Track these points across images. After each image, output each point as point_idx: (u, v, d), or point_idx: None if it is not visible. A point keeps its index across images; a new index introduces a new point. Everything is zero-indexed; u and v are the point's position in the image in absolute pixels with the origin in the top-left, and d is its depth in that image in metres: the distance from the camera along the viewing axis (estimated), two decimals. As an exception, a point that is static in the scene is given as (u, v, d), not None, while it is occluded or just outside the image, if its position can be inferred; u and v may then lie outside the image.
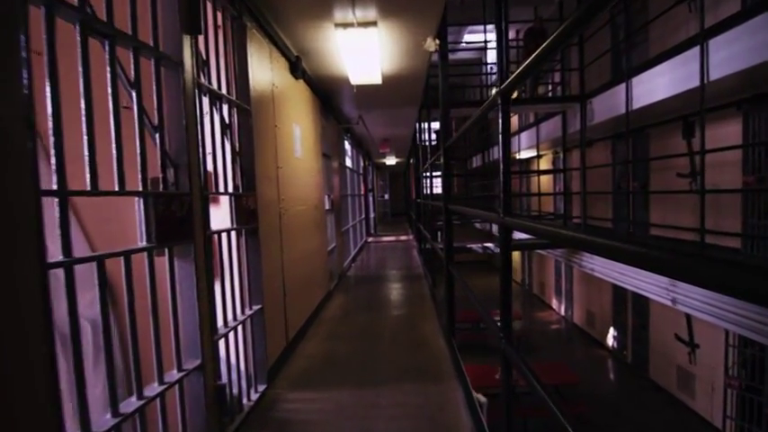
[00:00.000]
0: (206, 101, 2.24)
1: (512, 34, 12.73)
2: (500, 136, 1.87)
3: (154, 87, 1.71)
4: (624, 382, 8.72)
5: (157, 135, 1.69)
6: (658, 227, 7.41)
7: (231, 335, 2.39)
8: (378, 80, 4.58)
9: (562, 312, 12.61)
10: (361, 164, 10.27)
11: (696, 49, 5.22)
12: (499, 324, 1.82)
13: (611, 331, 9.95)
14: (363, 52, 3.83)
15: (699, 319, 6.57)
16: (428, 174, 6.13)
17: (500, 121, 1.85)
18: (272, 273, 3.06)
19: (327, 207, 5.48)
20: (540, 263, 14.11)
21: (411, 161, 11.97)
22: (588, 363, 9.70)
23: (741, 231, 5.77)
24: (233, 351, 2.41)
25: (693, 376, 7.37)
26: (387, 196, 21.23)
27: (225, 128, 2.47)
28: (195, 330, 1.85)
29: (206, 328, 1.94)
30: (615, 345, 9.87)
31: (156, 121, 1.70)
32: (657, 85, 6.41)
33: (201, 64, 2.21)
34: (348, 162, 7.93)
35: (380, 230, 14.69)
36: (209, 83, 2.25)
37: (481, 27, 13.15)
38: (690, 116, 6.92)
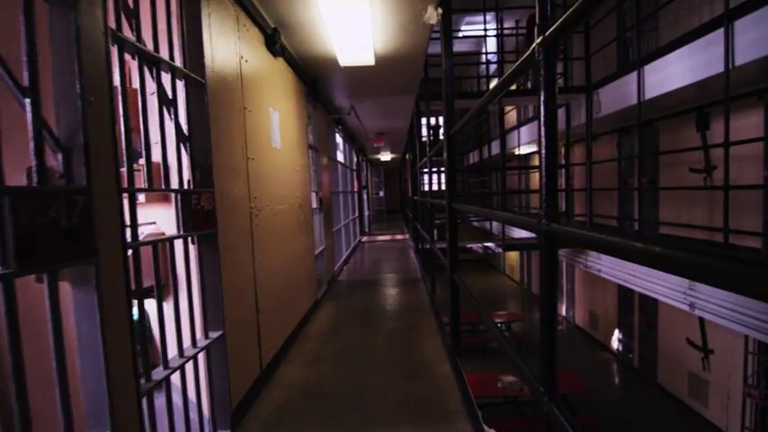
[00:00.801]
0: (141, 67, 1.63)
1: (512, 23, 12.11)
2: (542, 109, 1.28)
3: (23, 29, 1.10)
4: (631, 388, 8.21)
5: (28, 101, 1.09)
6: (670, 225, 6.87)
7: (178, 375, 1.79)
8: (370, 60, 3.96)
9: (563, 313, 12.10)
10: (355, 159, 9.64)
11: (718, 33, 4.67)
12: (540, 382, 1.23)
13: (616, 334, 9.44)
14: (353, 26, 3.21)
15: (712, 323, 6.07)
16: (426, 169, 5.54)
17: (543, 81, 1.25)
18: (240, 288, 2.45)
19: (315, 206, 4.87)
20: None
21: (407, 157, 11.37)
22: (593, 366, 9.19)
23: (762, 230, 5.27)
24: (188, 391, 1.82)
25: (707, 383, 6.86)
26: (382, 193, 20.61)
27: (167, 104, 1.86)
28: (99, 386, 1.25)
29: (122, 380, 1.34)
30: (620, 348, 9.37)
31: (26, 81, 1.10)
32: (673, 72, 5.83)
33: (127, 12, 1.60)
34: (340, 157, 7.31)
35: (375, 229, 14.07)
36: (140, 41, 1.64)
37: (478, 18, 12.58)
38: (704, 107, 6.39)
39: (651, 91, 6.27)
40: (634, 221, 8.34)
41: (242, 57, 2.64)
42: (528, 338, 9.98)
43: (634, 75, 6.64)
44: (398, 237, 11.39)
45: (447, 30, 2.95)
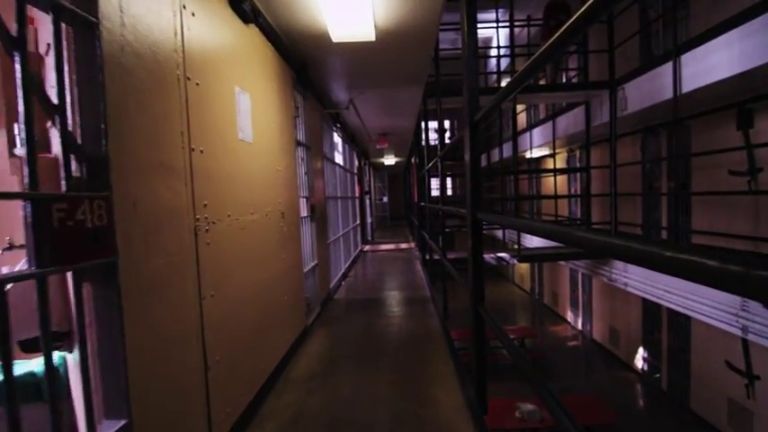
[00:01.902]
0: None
1: (525, 15, 11.27)
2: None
3: None
4: (660, 414, 7.29)
5: None
6: (705, 234, 5.98)
7: None
8: (370, 35, 3.14)
9: (579, 327, 11.18)
10: (356, 163, 8.80)
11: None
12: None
13: (641, 352, 8.52)
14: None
15: (758, 345, 5.21)
16: (437, 171, 4.69)
17: None
18: (173, 340, 1.63)
19: (305, 213, 4.04)
20: (552, 270, 12.67)
21: (413, 160, 10.53)
22: (614, 388, 8.28)
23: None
24: None
25: (750, 413, 5.94)
26: (385, 199, 19.72)
27: (11, 45, 1.05)
28: None
29: None
30: (645, 368, 8.45)
31: None
32: (716, 62, 4.99)
33: None
34: (338, 158, 6.49)
35: (378, 237, 13.17)
36: None
37: (486, 15, 11.78)
38: (745, 102, 5.55)
39: (688, 84, 5.44)
40: (662, 230, 7.48)
41: (183, 5, 1.82)
42: (544, 356, 9.08)
43: (667, 67, 5.80)
44: (403, 245, 10.51)
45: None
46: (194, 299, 1.80)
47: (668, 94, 5.76)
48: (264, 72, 2.93)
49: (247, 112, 2.54)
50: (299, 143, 3.86)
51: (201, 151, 1.93)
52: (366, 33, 3.09)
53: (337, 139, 6.29)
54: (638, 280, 6.81)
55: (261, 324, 2.61)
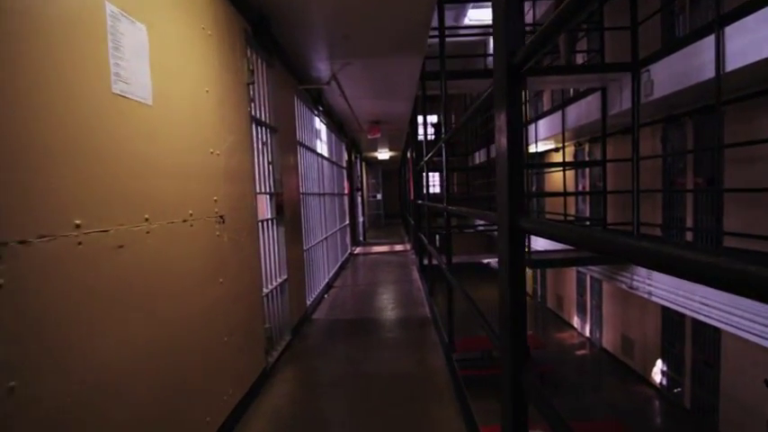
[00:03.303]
0: None
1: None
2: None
3: None
4: (685, 436, 6.41)
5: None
6: (740, 237, 5.03)
7: None
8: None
9: (587, 333, 10.25)
10: (345, 156, 7.75)
11: None
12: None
13: (659, 365, 7.61)
14: None
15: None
16: (443, 158, 3.59)
17: None
18: None
19: (268, 215, 3.02)
20: (556, 271, 11.72)
21: (409, 155, 9.50)
22: (630, 404, 7.38)
23: None
24: None
25: (794, 439, 5.04)
26: (379, 196, 18.66)
27: None
28: None
29: None
30: (664, 382, 7.53)
31: None
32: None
33: None
34: (322, 149, 5.47)
35: (371, 237, 12.09)
36: None
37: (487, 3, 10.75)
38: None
39: (735, 61, 4.49)
40: (686, 231, 6.56)
41: None
42: (552, 368, 8.12)
43: (705, 44, 4.84)
44: (398, 247, 9.48)
45: None
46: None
47: (707, 73, 4.80)
48: (186, 4, 1.91)
49: (140, 55, 1.51)
50: (257, 121, 2.83)
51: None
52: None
53: (320, 125, 5.25)
54: (666, 289, 5.86)
55: (169, 396, 1.61)
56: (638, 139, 6.54)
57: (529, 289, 13.50)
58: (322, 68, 3.96)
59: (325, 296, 4.81)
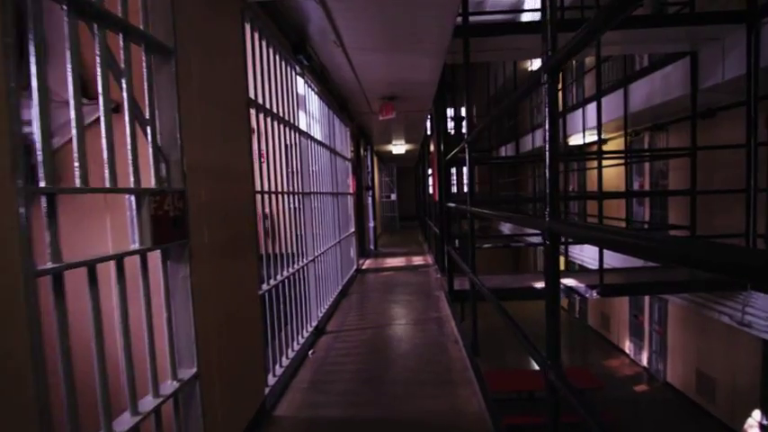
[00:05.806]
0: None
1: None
2: None
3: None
4: None
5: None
6: None
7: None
8: None
9: (644, 362, 8.30)
10: (350, 145, 5.91)
11: None
12: None
13: (757, 416, 5.66)
14: None
15: None
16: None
17: None
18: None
19: (135, 242, 1.27)
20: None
21: (431, 147, 7.66)
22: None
23: None
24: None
25: None
26: (394, 197, 16.80)
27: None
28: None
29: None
30: (762, 439, 5.57)
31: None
32: None
33: None
34: (314, 129, 3.72)
35: (384, 245, 10.19)
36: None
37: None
38: None
39: None
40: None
41: None
42: (611, 417, 6.09)
43: None
44: (416, 260, 7.61)
45: None
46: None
47: None
48: None
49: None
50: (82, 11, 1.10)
51: None
52: None
53: (306, 90, 3.48)
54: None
55: None
56: (756, 119, 4.65)
57: (563, 302, 11.51)
58: (317, 23, 2.19)
59: (309, 355, 3.03)
